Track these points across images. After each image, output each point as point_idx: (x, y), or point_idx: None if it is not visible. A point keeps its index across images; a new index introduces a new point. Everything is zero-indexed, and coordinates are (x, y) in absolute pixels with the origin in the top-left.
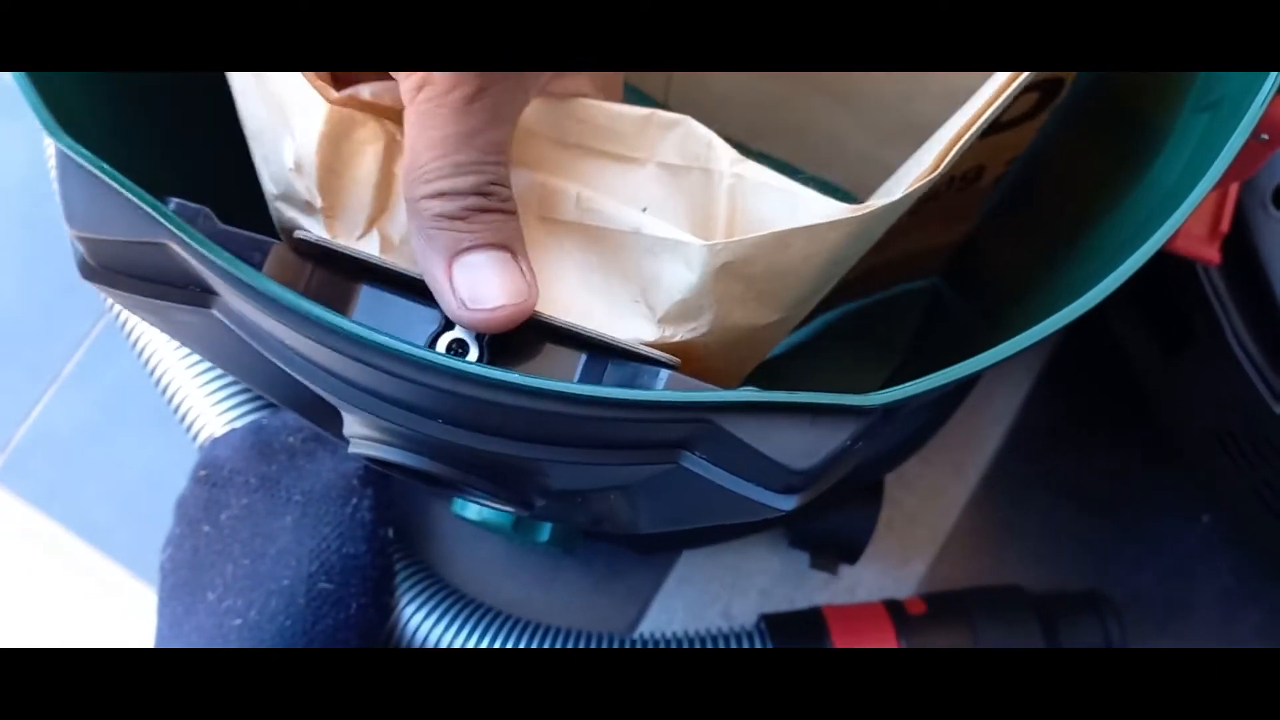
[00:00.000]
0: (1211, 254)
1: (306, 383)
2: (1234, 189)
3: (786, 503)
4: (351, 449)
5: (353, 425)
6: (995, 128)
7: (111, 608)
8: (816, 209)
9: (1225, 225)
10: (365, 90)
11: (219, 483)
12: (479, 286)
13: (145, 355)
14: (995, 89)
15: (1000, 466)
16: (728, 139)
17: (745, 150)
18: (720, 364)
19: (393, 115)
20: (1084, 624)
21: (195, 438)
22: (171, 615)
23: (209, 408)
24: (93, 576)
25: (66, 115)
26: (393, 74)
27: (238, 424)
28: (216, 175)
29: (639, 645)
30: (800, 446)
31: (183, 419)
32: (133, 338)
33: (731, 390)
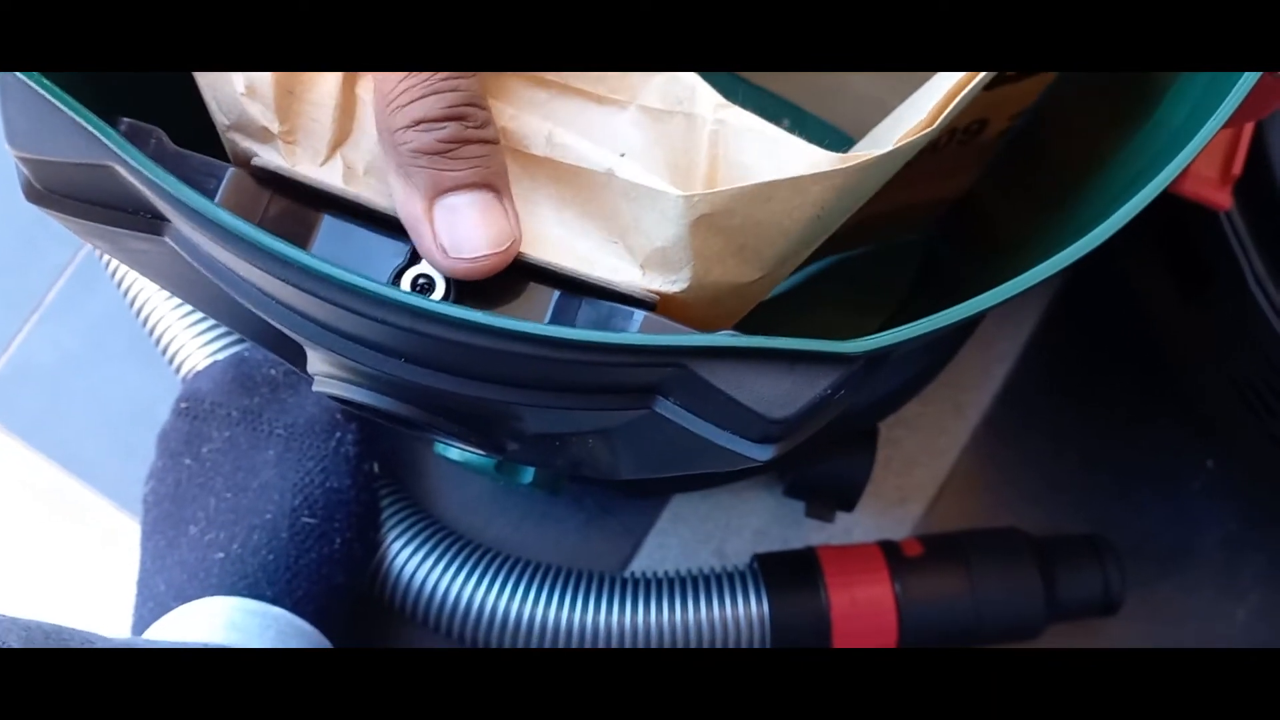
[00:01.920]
0: (1222, 199)
1: (265, 317)
2: (1248, 130)
3: (763, 452)
4: (315, 387)
5: (316, 362)
6: (1000, 79)
7: (95, 539)
8: (801, 158)
9: (1238, 169)
10: None
11: (200, 416)
12: (462, 231)
13: (125, 287)
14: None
15: (1002, 407)
16: (728, 73)
17: (744, 84)
18: (700, 315)
19: None
20: (1083, 570)
21: (178, 370)
22: (154, 548)
23: (190, 340)
24: (76, 508)
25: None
26: None
27: (219, 356)
28: (177, 97)
29: (630, 583)
30: (777, 394)
31: (164, 351)
32: (112, 268)
33: (706, 334)
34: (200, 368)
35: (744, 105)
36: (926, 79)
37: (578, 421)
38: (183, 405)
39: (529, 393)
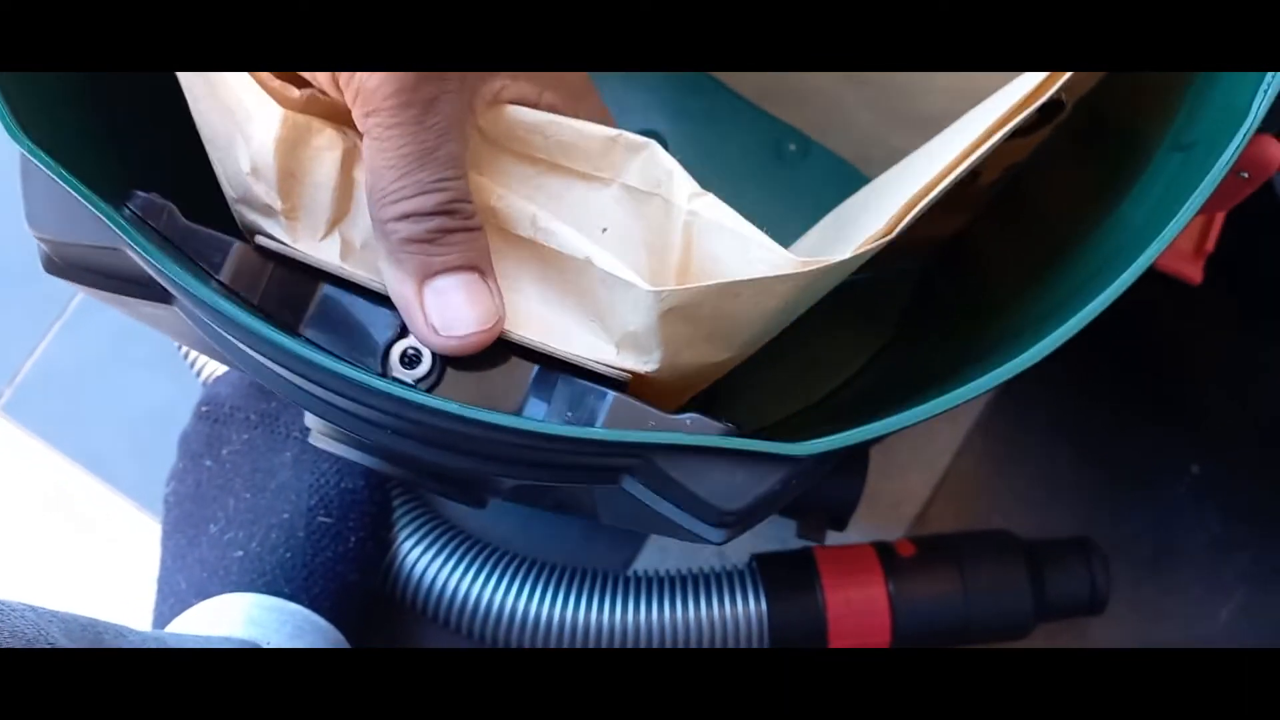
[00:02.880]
0: (1194, 273)
1: (264, 384)
2: (1220, 213)
3: (718, 535)
4: (311, 440)
5: (313, 419)
6: None
7: (116, 539)
8: (767, 258)
9: (1210, 245)
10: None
11: (220, 419)
12: (451, 312)
13: None
14: (973, 141)
15: (994, 411)
16: (738, 97)
17: (755, 110)
18: (671, 389)
19: (352, 120)
20: (1071, 570)
21: (198, 374)
22: (175, 547)
23: None
24: (98, 509)
25: (30, 113)
26: (342, 95)
27: None
28: (187, 167)
29: (633, 581)
30: (730, 489)
31: (185, 356)
32: None
33: (665, 431)
34: (220, 373)
35: (754, 129)
36: (930, 127)
37: (552, 489)
38: (203, 409)
39: (506, 466)
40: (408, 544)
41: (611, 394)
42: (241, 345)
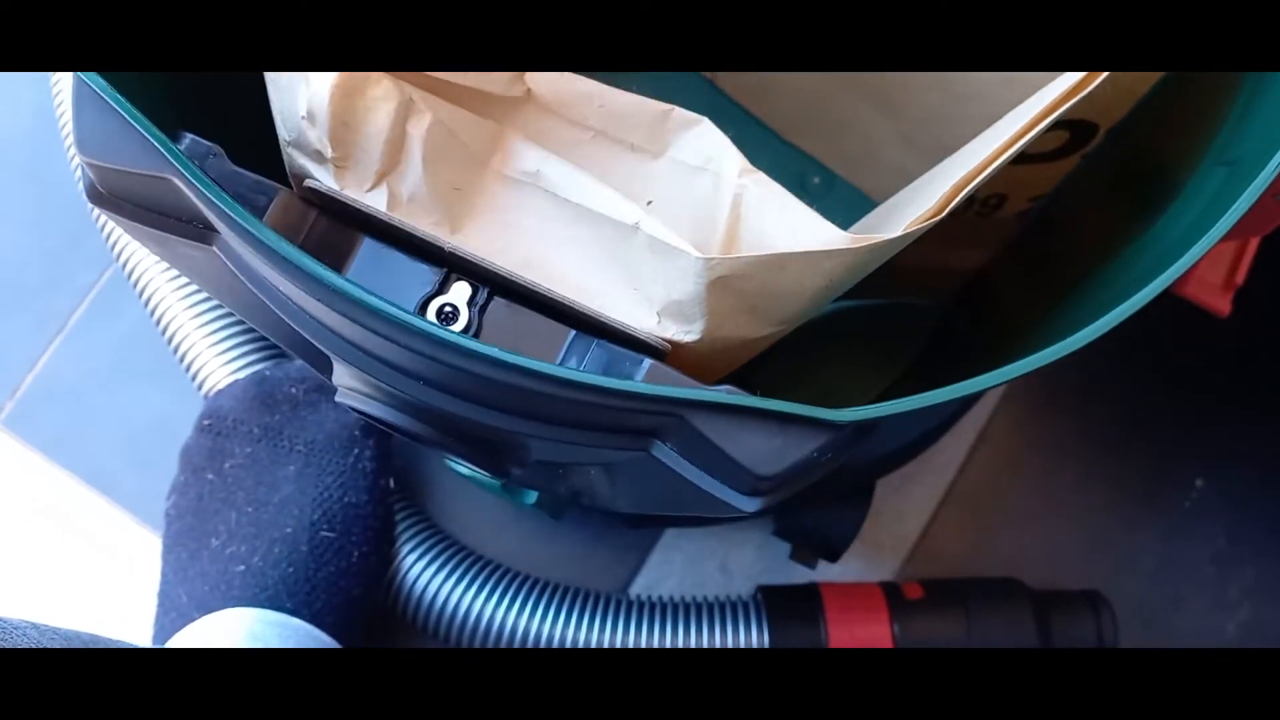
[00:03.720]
0: (1223, 304)
1: (298, 329)
2: (1254, 242)
3: (750, 504)
4: (338, 398)
5: (341, 375)
6: (1021, 159)
7: (117, 553)
8: (815, 234)
9: (1240, 278)
10: None
11: (223, 432)
12: None
13: (152, 306)
14: (1016, 131)
15: (995, 429)
16: (765, 128)
17: (781, 141)
18: (707, 364)
19: (409, 75)
20: (1078, 623)
21: (200, 387)
22: (176, 561)
23: (214, 358)
24: (99, 523)
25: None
26: None
27: (241, 375)
28: (238, 114)
29: (639, 605)
30: (766, 451)
31: (188, 369)
32: (139, 287)
33: (705, 388)
34: (222, 386)
35: (780, 161)
36: (948, 157)
37: (579, 454)
38: (205, 422)
39: (536, 424)
40: (410, 558)
41: (648, 360)
42: (282, 285)
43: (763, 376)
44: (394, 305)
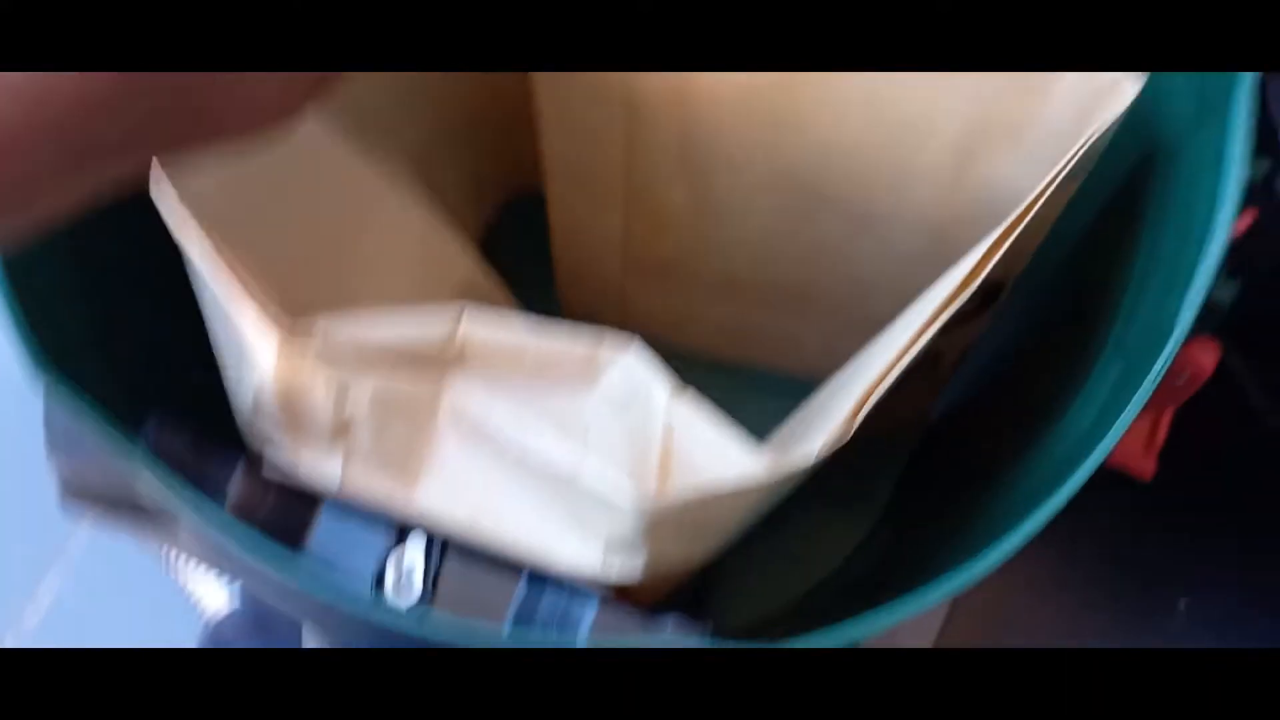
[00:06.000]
0: (1146, 467)
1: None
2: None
3: None
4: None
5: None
6: (953, 322)
7: None
8: (740, 463)
9: (1160, 438)
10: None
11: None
12: None
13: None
14: (908, 339)
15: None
16: (688, 354)
17: (702, 364)
18: (652, 585)
19: (339, 356)
20: None
21: (203, 615)
22: None
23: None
24: None
25: (53, 334)
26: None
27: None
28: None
29: None
30: None
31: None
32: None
33: (652, 639)
34: (223, 614)
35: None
36: (876, 329)
37: None
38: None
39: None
40: None
41: (595, 602)
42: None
43: (731, 560)
44: (347, 597)
